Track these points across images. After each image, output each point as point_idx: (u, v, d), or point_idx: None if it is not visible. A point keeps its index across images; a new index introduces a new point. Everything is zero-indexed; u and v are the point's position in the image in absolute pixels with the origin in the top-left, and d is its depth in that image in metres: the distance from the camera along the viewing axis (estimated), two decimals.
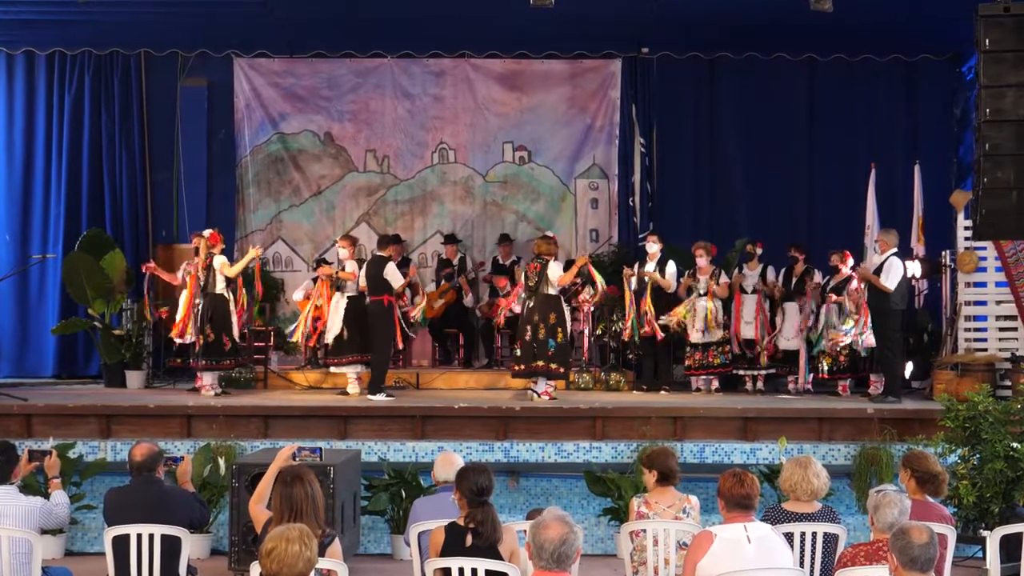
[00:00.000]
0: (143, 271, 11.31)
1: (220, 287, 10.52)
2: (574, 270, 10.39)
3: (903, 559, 4.25)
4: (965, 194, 10.81)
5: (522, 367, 10.30)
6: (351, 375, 10.58)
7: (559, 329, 10.20)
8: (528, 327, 10.21)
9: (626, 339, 11.23)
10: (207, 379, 10.52)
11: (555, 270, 10.24)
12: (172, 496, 6.02)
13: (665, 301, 11.02)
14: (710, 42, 12.81)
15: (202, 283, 10.52)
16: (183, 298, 10.71)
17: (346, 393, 10.52)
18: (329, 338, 10.66)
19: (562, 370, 10.33)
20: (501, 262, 12.94)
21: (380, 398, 10.07)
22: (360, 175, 13.69)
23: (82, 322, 12.05)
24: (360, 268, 10.58)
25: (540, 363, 10.14)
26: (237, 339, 10.68)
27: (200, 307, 10.50)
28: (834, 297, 10.64)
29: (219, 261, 10.52)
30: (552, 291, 10.21)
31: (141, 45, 13.05)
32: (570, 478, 9.12)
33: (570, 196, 13.67)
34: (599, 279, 10.58)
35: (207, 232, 10.76)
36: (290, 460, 5.58)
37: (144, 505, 5.81)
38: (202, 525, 6.29)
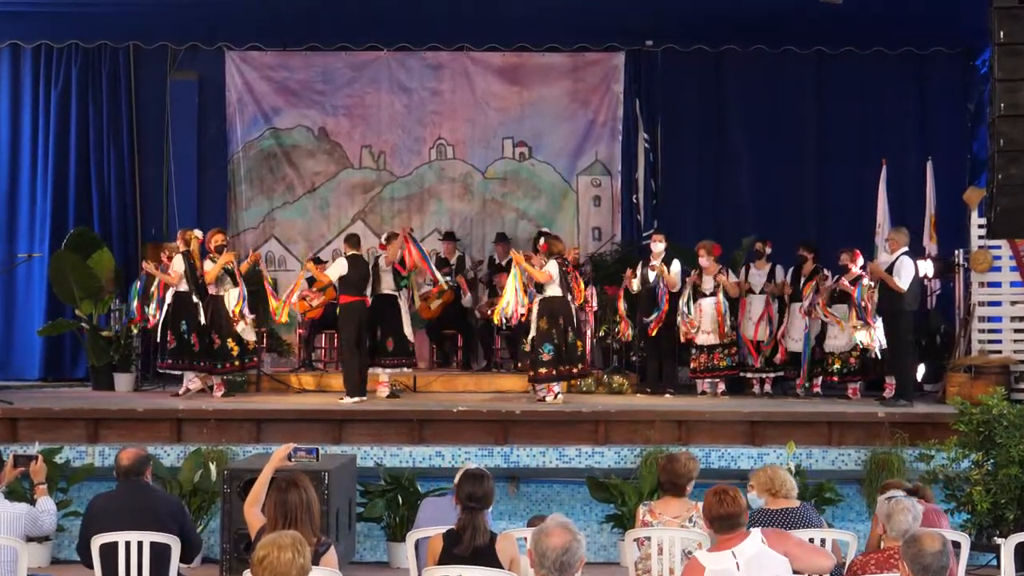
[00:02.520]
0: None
1: (212, 289, 10.60)
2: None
3: (915, 567, 4.25)
4: (979, 191, 10.79)
5: (559, 369, 10.21)
6: (384, 378, 10.68)
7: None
8: (570, 330, 10.20)
9: (625, 339, 11.42)
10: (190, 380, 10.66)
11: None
12: (162, 501, 6.03)
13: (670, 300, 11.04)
14: (716, 35, 12.81)
15: (207, 284, 10.61)
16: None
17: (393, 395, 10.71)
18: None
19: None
20: (497, 261, 12.93)
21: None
22: (355, 172, 13.68)
23: (69, 323, 12.05)
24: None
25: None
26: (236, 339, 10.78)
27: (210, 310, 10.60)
28: (844, 283, 10.62)
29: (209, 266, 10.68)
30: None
31: (130, 38, 13.05)
32: (572, 484, 9.10)
33: (572, 193, 13.67)
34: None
35: (200, 233, 10.87)
36: (286, 461, 5.57)
37: (132, 510, 5.81)
38: (192, 543, 6.24)
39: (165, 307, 10.78)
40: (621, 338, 11.53)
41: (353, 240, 10.75)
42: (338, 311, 10.73)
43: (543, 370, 10.17)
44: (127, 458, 6.02)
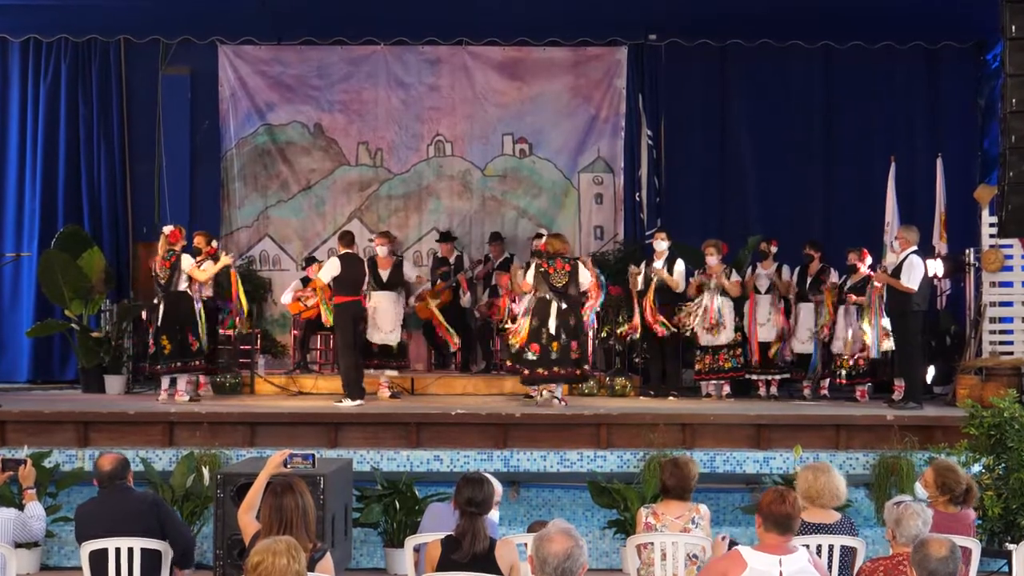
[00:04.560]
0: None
1: (183, 285, 10.52)
2: (592, 272, 10.42)
3: (922, 573, 4.26)
4: (990, 189, 10.81)
5: (542, 372, 10.13)
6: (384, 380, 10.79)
7: (582, 332, 10.31)
8: (563, 330, 10.11)
9: (624, 337, 11.30)
10: (177, 383, 10.54)
11: (585, 275, 10.24)
12: (145, 503, 6.05)
13: (672, 301, 11.04)
14: (721, 28, 12.82)
15: (163, 282, 10.50)
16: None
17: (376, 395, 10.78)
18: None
19: (588, 372, 10.62)
20: (493, 260, 12.92)
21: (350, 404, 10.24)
22: (352, 169, 13.68)
23: (58, 324, 12.05)
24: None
25: (579, 368, 10.22)
26: (204, 339, 10.68)
27: (162, 308, 10.51)
28: (853, 297, 10.65)
29: (187, 263, 10.50)
30: (576, 292, 10.21)
31: (121, 31, 13.07)
32: (573, 488, 9.11)
33: (573, 191, 13.67)
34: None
35: (167, 228, 10.80)
36: (281, 467, 5.58)
37: (124, 516, 5.82)
38: (183, 539, 6.28)
39: None
40: (626, 337, 11.43)
41: (347, 238, 10.72)
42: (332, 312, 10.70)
43: (527, 371, 10.19)
44: (109, 463, 6.04)
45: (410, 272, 11.07)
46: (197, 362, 10.59)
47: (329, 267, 10.47)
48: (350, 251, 10.53)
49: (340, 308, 10.39)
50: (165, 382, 10.55)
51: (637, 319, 11.04)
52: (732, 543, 4.80)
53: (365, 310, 10.60)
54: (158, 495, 6.63)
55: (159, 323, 10.47)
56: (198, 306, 10.54)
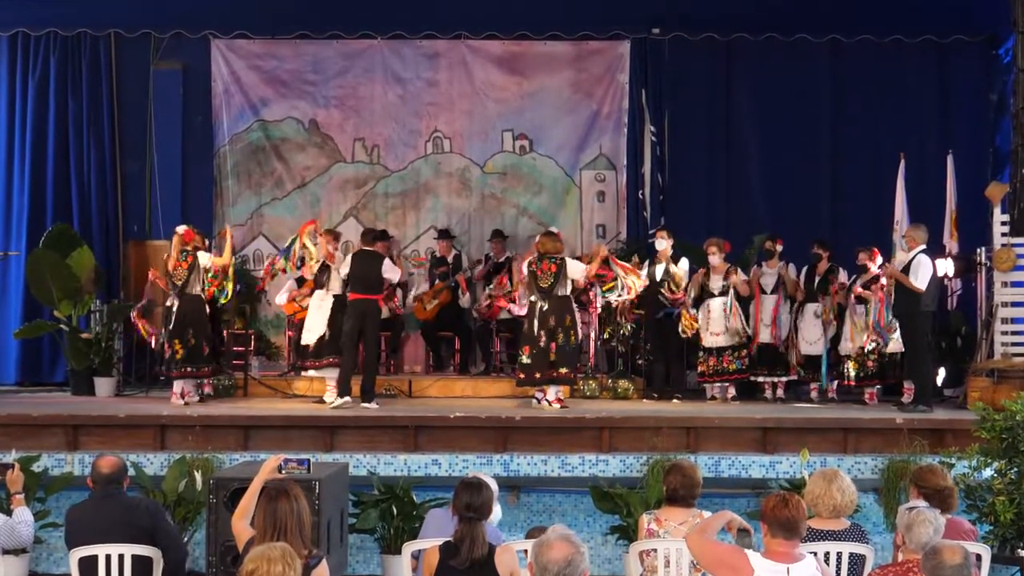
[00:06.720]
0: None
1: (198, 288, 10.53)
2: (597, 261, 10.29)
3: None
4: (1002, 186, 10.81)
5: (537, 375, 10.17)
6: (331, 381, 10.59)
7: (572, 332, 10.18)
8: (544, 332, 10.12)
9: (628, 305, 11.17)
10: (178, 387, 10.47)
11: (576, 267, 10.22)
12: (140, 509, 6.05)
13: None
14: (726, 22, 12.84)
15: (179, 283, 10.50)
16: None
17: (322, 401, 10.55)
18: (312, 339, 10.68)
19: (572, 375, 10.31)
20: (494, 258, 12.92)
21: (373, 406, 10.13)
22: (348, 166, 13.68)
23: (47, 325, 12.04)
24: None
25: (564, 370, 10.12)
26: (217, 343, 10.71)
27: (176, 310, 10.50)
28: (859, 290, 10.66)
29: (205, 259, 10.51)
30: (564, 292, 10.18)
31: (111, 25, 13.06)
32: (575, 493, 9.09)
33: (575, 188, 13.67)
34: (625, 279, 10.40)
35: (181, 228, 10.77)
36: (275, 472, 5.58)
37: (117, 523, 5.82)
38: (176, 547, 6.28)
39: None
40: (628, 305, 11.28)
41: (371, 236, 10.70)
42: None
43: (522, 374, 10.27)
44: (108, 466, 6.03)
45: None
46: (209, 367, 10.66)
47: (344, 263, 10.49)
48: (366, 249, 10.47)
49: (350, 304, 10.39)
50: (177, 387, 10.50)
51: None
52: (747, 536, 4.78)
53: (379, 311, 10.58)
54: (157, 503, 6.62)
55: (171, 326, 10.46)
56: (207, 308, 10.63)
